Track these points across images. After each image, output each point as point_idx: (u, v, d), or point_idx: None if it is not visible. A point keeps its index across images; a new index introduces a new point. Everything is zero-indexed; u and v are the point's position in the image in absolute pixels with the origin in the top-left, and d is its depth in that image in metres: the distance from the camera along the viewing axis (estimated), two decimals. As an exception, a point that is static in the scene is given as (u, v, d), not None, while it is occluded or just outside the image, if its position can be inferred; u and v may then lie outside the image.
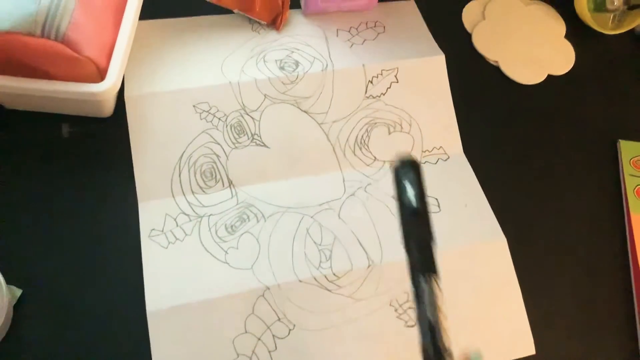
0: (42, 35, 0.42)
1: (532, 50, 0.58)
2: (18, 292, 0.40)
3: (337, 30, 0.55)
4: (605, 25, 0.60)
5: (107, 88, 0.43)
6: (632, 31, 0.61)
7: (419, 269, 0.31)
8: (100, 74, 0.44)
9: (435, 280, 0.30)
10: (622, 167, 0.52)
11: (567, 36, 0.60)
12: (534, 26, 0.60)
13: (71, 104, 0.46)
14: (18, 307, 0.40)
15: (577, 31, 0.60)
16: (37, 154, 0.46)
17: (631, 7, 0.60)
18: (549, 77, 0.57)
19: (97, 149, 0.47)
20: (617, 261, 0.48)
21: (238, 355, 0.40)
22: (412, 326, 0.42)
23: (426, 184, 0.33)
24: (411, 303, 0.43)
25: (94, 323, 0.40)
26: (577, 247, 0.48)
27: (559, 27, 0.61)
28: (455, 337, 0.42)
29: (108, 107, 0.47)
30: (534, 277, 0.46)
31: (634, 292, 0.46)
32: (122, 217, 0.44)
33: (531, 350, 0.43)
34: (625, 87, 0.58)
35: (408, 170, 0.33)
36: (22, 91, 0.43)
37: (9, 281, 0.40)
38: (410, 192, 0.32)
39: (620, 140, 0.54)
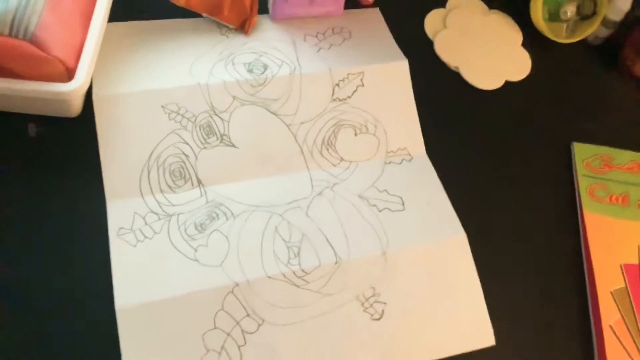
0: (10, 34, 0.42)
1: (490, 58, 0.61)
2: (-17, 291, 0.40)
3: (305, 35, 0.57)
4: (560, 34, 0.63)
5: (75, 87, 0.43)
6: (584, 40, 0.64)
7: None
8: (68, 74, 0.44)
9: None
10: (576, 168, 0.55)
11: (524, 44, 0.63)
12: (493, 35, 0.63)
13: (39, 103, 0.46)
14: (-17, 306, 0.39)
15: (533, 39, 0.63)
16: (3, 154, 0.46)
17: (583, 18, 0.63)
18: (507, 82, 0.60)
19: (65, 149, 0.47)
20: (572, 256, 0.50)
21: (207, 350, 0.40)
22: (378, 319, 0.43)
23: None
24: (377, 297, 0.44)
25: (63, 322, 0.40)
26: (534, 243, 0.50)
27: (516, 35, 0.64)
28: (417, 330, 0.44)
29: (76, 107, 0.47)
30: (493, 272, 0.47)
31: (587, 284, 0.49)
32: (90, 216, 0.44)
33: (491, 341, 0.44)
34: (578, 92, 0.61)
35: None
36: (-12, 90, 0.43)
37: (-27, 280, 0.39)
38: None
39: (574, 142, 0.57)
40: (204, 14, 0.54)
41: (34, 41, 0.43)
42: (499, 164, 0.54)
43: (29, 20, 0.43)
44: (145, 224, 0.44)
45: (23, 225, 0.43)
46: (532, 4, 0.62)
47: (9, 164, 0.45)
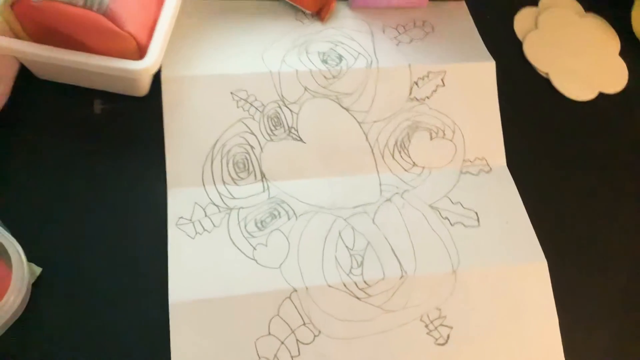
0: (84, 6, 0.41)
1: (584, 65, 0.56)
2: (38, 270, 0.39)
3: (384, 26, 0.53)
4: (663, 45, 0.57)
5: (146, 66, 0.41)
6: (690, 54, 0.58)
7: None
8: (139, 51, 0.42)
9: None
10: (671, 195, 0.50)
11: (622, 53, 0.58)
12: (588, 40, 0.58)
13: (106, 79, 0.44)
14: (36, 285, 0.38)
15: (632, 49, 0.58)
16: (67, 129, 0.44)
17: (692, 28, 0.57)
18: (601, 94, 0.55)
19: (129, 129, 0.45)
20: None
21: (260, 357, 0.38)
22: (442, 344, 0.40)
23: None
24: (442, 320, 0.41)
25: (113, 308, 0.39)
26: (619, 275, 0.46)
27: (614, 43, 0.58)
28: (486, 360, 0.40)
29: (144, 86, 0.45)
30: (572, 303, 0.43)
31: (675, 328, 0.44)
32: (149, 201, 0.43)
33: (564, 380, 0.41)
34: (679, 111, 0.56)
35: None
36: (59, 62, 0.41)
37: (29, 259, 0.38)
38: None
39: (671, 166, 0.51)
40: (281, -3, 0.51)
41: (108, 15, 0.41)
42: (586, 183, 0.49)
43: (104, -8, 0.41)
44: (205, 215, 0.42)
45: (80, 205, 0.42)
46: (634, 10, 0.57)
47: (72, 138, 0.44)
